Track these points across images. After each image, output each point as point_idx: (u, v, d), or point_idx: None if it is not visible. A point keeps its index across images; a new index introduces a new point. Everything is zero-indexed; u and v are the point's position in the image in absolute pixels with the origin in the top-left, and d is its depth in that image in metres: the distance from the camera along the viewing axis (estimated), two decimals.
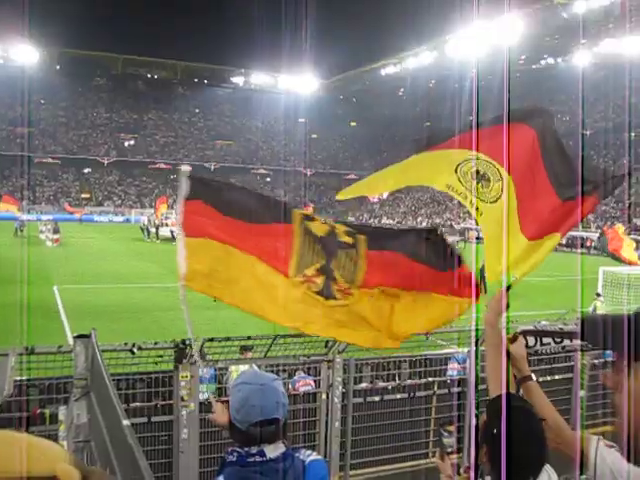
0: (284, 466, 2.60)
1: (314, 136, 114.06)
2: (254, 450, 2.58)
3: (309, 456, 2.77)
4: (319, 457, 2.83)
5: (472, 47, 78.10)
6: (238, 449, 2.61)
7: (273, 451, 2.60)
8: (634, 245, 24.01)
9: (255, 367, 8.41)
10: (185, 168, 4.32)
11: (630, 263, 24.04)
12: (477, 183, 4.23)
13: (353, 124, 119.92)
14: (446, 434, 3.24)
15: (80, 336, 3.40)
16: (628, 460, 1.14)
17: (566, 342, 2.76)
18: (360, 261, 4.39)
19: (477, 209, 4.23)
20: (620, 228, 24.79)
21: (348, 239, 4.42)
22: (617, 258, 23.93)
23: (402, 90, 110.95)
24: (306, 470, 2.68)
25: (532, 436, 2.47)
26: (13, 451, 0.63)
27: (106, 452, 2.25)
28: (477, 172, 4.24)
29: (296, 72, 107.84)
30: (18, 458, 0.61)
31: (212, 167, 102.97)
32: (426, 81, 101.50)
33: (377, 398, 8.44)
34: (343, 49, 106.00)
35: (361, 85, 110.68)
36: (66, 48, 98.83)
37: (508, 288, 3.14)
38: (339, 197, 5.12)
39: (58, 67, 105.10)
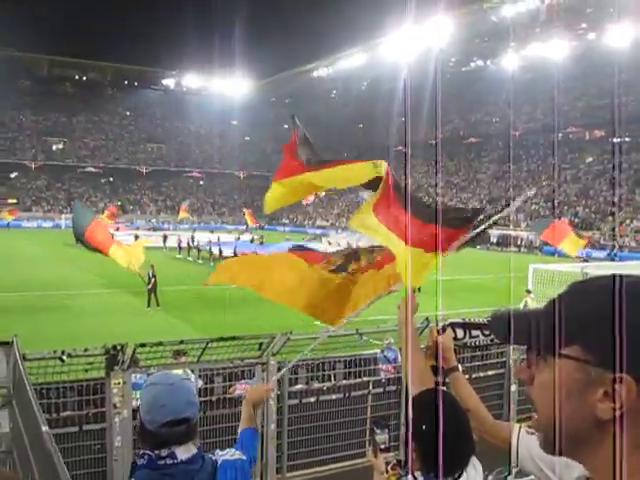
0: (195, 467, 2.58)
1: (247, 138, 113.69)
2: (165, 452, 2.54)
3: (222, 456, 2.74)
4: (234, 457, 2.79)
5: (404, 49, 79.08)
6: (149, 452, 2.56)
7: (184, 452, 2.57)
8: (581, 242, 24.85)
9: (189, 372, 8.33)
10: None
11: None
12: None
13: (285, 126, 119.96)
14: (379, 431, 3.26)
15: (1, 343, 3.29)
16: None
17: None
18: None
19: None
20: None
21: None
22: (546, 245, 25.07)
23: (334, 92, 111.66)
24: (217, 471, 2.65)
25: (460, 430, 2.52)
26: None
27: (28, 460, 2.20)
28: None
29: (228, 74, 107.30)
30: None
31: (144, 170, 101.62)
32: (358, 83, 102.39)
33: (313, 399, 8.46)
34: (275, 51, 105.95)
35: (293, 87, 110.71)
36: None
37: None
38: (268, 209, 4.94)
39: None
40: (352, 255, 4.56)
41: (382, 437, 3.18)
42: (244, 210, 70.27)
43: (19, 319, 19.21)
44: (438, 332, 2.88)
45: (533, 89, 79.90)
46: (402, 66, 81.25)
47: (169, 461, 2.53)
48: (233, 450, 2.84)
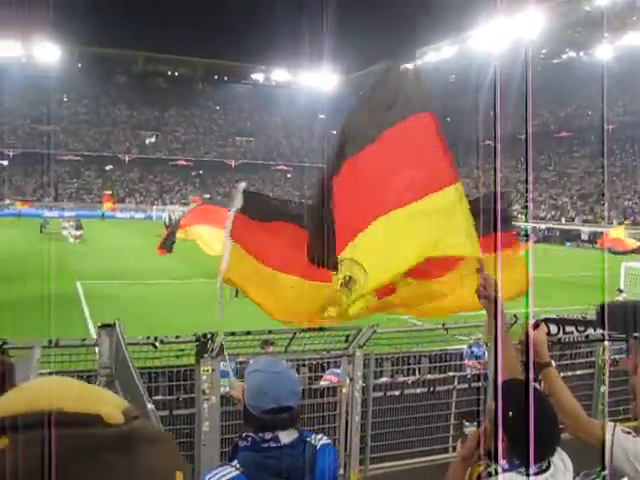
0: (297, 451, 2.64)
1: (334, 132, 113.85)
2: (268, 436, 2.61)
3: (319, 440, 2.81)
4: (329, 441, 2.86)
5: (493, 41, 77.68)
6: (252, 435, 2.65)
7: (287, 437, 2.64)
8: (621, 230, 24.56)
9: None
10: (241, 185, 5.22)
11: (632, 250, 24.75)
12: None
13: None
14: (468, 424, 3.27)
15: (104, 326, 3.45)
16: None
17: (589, 331, 2.78)
18: None
19: None
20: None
21: None
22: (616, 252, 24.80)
23: None
24: (317, 455, 2.71)
25: (545, 417, 2.50)
26: (63, 389, 0.75)
27: None
28: None
29: (316, 68, 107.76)
30: (66, 395, 0.74)
31: (233, 164, 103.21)
32: (446, 76, 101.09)
33: (397, 392, 8.46)
34: (363, 44, 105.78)
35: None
36: (87, 46, 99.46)
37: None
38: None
39: (80, 65, 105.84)
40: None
41: (471, 430, 3.18)
42: None
43: (113, 306, 19.93)
44: (533, 327, 2.87)
45: (628, 81, 77.17)
46: (491, 58, 79.82)
47: (272, 444, 2.60)
48: (322, 436, 2.90)
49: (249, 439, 2.65)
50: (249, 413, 2.67)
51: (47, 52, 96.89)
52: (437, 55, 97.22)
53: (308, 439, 2.76)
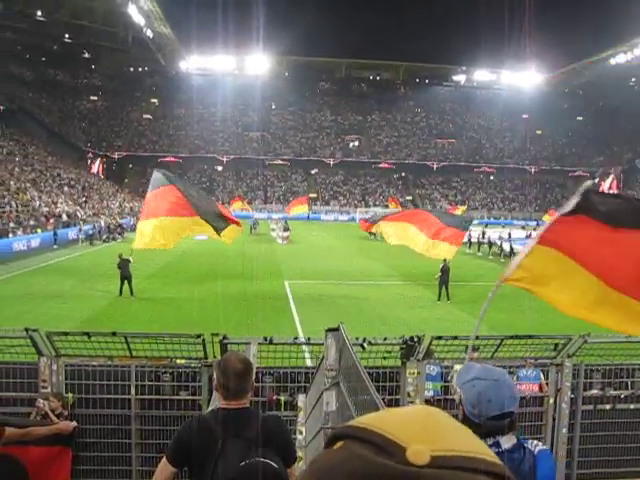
0: (518, 456, 2.68)
1: (538, 132, 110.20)
2: (490, 442, 2.66)
3: (536, 446, 2.82)
4: (545, 447, 2.85)
5: None
6: None
7: (507, 442, 2.69)
8: None
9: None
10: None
11: None
12: None
13: (579, 118, 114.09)
14: None
15: (331, 330, 3.67)
16: None
17: None
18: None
19: None
20: None
21: None
22: None
23: (633, 80, 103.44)
24: (536, 460, 2.74)
25: None
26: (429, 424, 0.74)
27: None
28: None
29: (518, 67, 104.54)
30: (416, 426, 0.72)
31: (434, 166, 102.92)
32: None
33: (608, 406, 8.10)
34: (568, 40, 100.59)
35: (588, 77, 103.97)
36: (293, 55, 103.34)
37: None
38: None
39: (287, 74, 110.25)
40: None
41: None
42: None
43: (319, 305, 20.68)
44: None
45: None
46: None
47: (494, 449, 2.62)
48: (537, 442, 2.88)
49: None
50: (470, 421, 2.70)
51: (257, 63, 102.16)
52: None
53: (525, 445, 2.79)
